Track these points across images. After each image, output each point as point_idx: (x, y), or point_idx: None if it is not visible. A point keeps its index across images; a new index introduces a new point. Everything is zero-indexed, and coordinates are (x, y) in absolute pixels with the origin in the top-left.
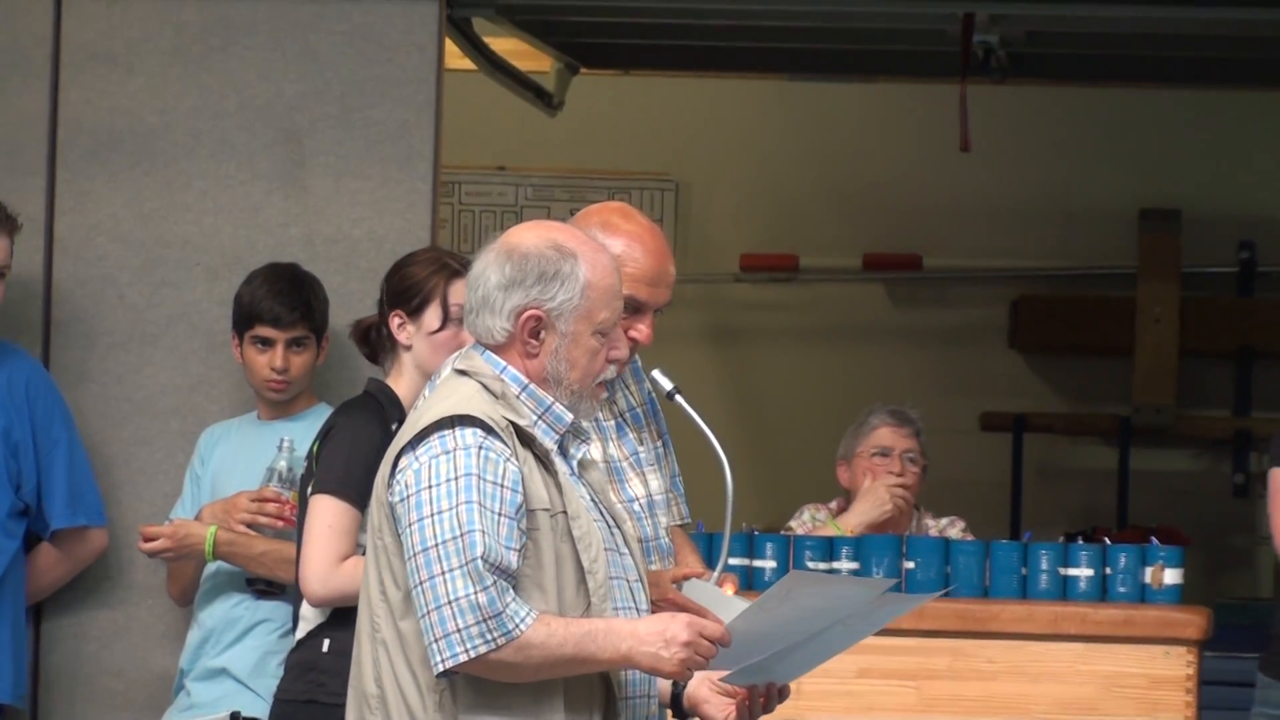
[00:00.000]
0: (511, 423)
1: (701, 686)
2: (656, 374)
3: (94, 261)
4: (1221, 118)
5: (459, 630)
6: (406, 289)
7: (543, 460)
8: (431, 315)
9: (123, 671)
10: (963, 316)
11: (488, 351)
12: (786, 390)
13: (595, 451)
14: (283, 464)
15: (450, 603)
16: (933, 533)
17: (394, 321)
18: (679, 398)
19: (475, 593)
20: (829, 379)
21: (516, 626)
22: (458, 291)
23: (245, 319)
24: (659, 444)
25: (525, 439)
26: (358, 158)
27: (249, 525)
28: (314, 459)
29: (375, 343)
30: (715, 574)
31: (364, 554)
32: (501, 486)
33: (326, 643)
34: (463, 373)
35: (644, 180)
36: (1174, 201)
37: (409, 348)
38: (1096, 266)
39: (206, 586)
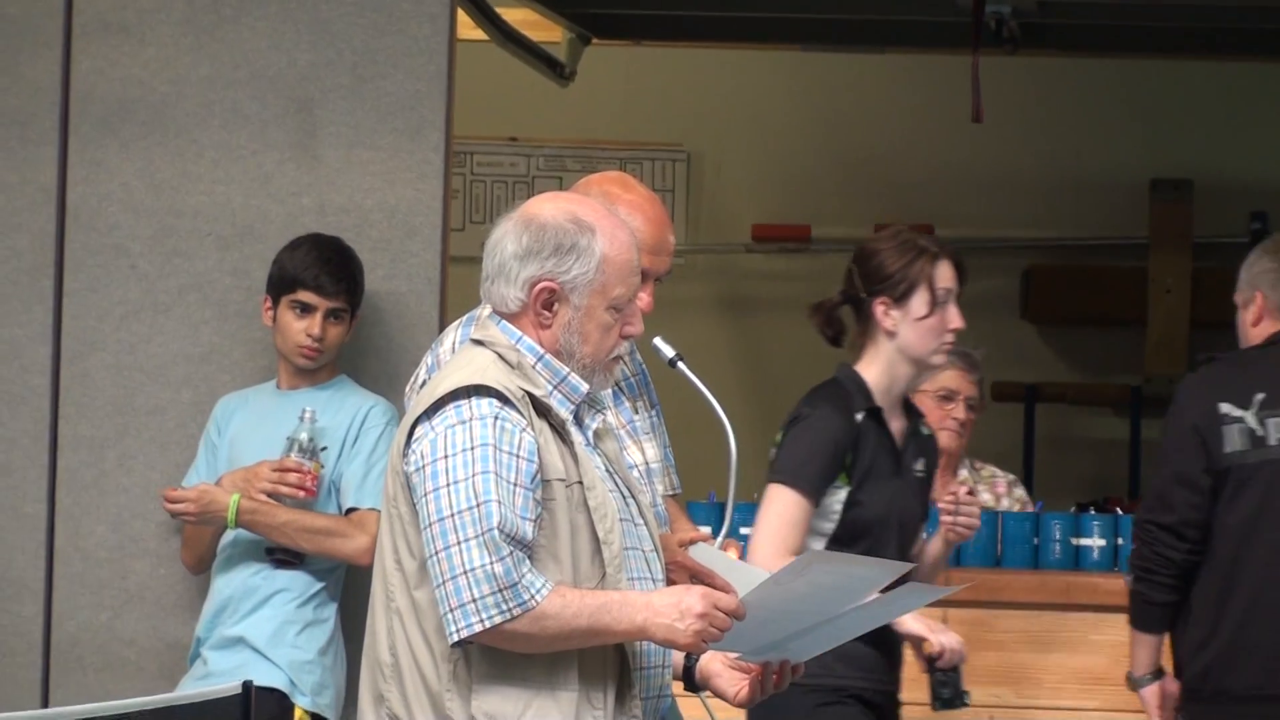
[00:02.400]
0: (527, 393)
1: (714, 660)
2: (658, 342)
3: (106, 231)
4: (1233, 88)
5: (474, 600)
6: (889, 276)
7: (558, 430)
8: (919, 301)
9: (135, 640)
10: (974, 287)
11: (504, 321)
12: (798, 360)
13: (613, 419)
14: (304, 434)
15: (466, 573)
16: (979, 487)
17: (878, 309)
18: (681, 365)
19: (491, 563)
20: (838, 351)
21: (532, 597)
22: (943, 275)
23: (287, 283)
24: (651, 413)
25: (541, 409)
26: (369, 128)
27: (270, 495)
28: (777, 444)
29: (836, 325)
30: (719, 540)
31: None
32: (517, 457)
33: None
34: (479, 342)
35: (656, 151)
36: (1185, 172)
37: (894, 334)
38: (1108, 237)
39: (225, 555)
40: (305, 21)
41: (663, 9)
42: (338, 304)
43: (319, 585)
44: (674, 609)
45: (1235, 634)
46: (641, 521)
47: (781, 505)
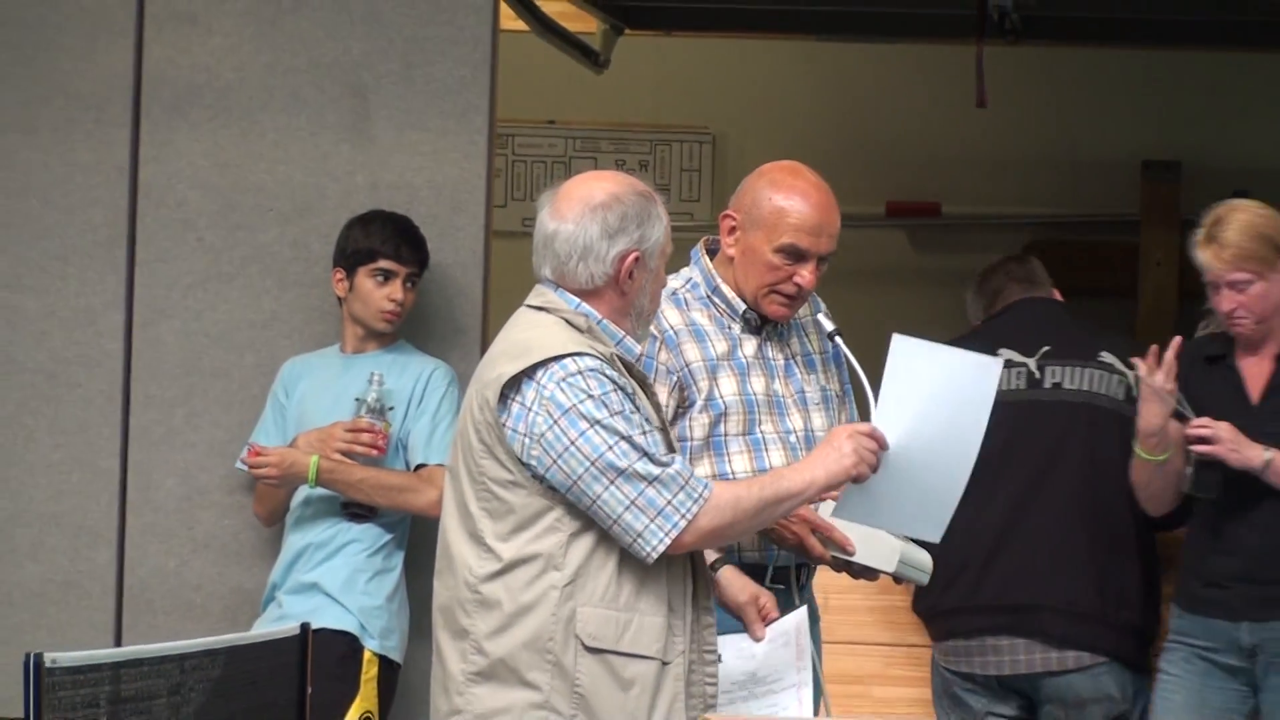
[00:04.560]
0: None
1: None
2: (820, 317)
3: (175, 207)
4: (1219, 77)
5: (653, 520)
6: None
7: (641, 383)
8: None
9: (201, 585)
10: (979, 260)
11: (560, 289)
12: None
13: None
14: (372, 395)
15: (632, 504)
16: None
17: None
18: (839, 340)
19: (649, 484)
20: (854, 319)
21: (701, 494)
22: None
23: (365, 254)
24: (833, 389)
25: (625, 364)
26: (419, 111)
27: (344, 453)
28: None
29: None
30: None
31: None
32: (631, 401)
33: None
34: (538, 309)
35: (683, 133)
36: (1174, 153)
37: None
38: (1102, 214)
39: (301, 509)
40: (359, 13)
41: (690, 2)
42: (413, 269)
43: (388, 537)
44: (829, 450)
45: None
46: None
47: None
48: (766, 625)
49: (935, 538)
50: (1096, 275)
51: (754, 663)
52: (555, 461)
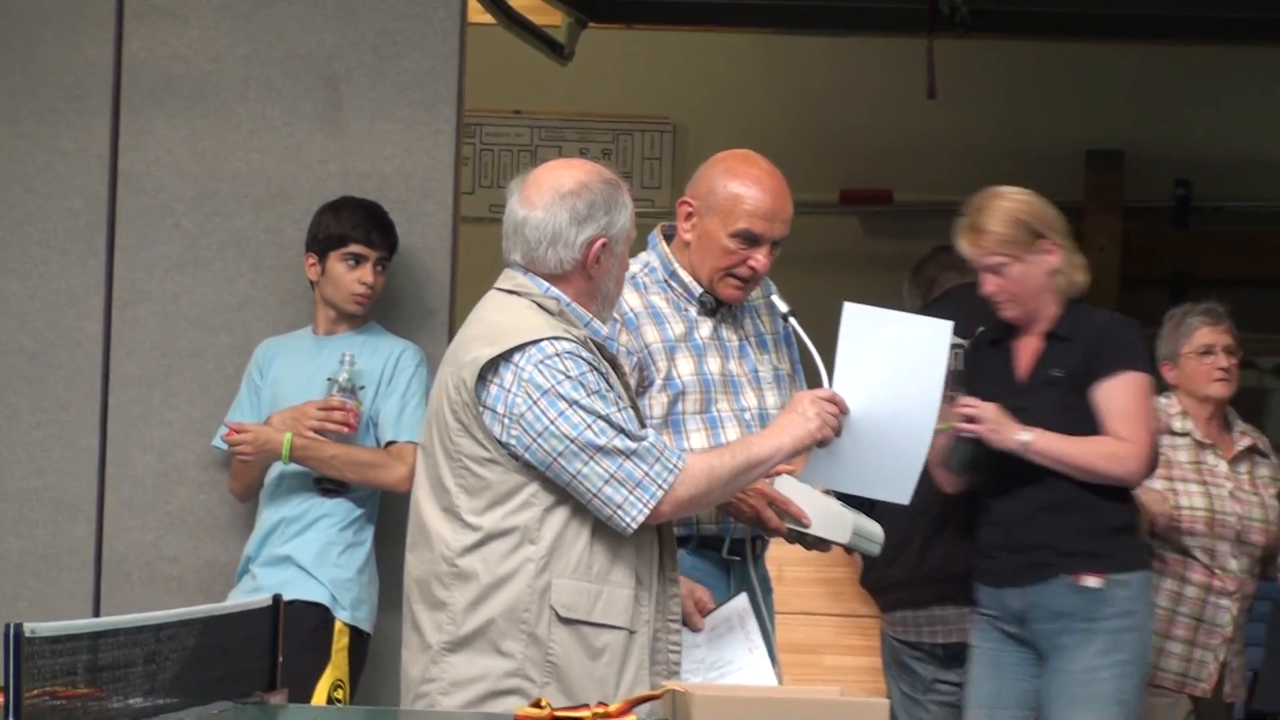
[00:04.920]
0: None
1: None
2: (774, 298)
3: (153, 193)
4: (1160, 70)
5: (631, 492)
6: None
7: (612, 364)
8: None
9: (177, 558)
10: (929, 246)
11: (530, 273)
12: None
13: (735, 367)
14: (344, 375)
15: (610, 478)
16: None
17: None
18: (793, 321)
19: (626, 459)
20: (809, 302)
21: (675, 464)
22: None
23: (337, 239)
24: (784, 368)
25: (597, 345)
26: (389, 102)
27: (316, 431)
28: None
29: None
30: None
31: None
32: (607, 384)
33: None
34: (509, 292)
35: (645, 123)
36: (1117, 143)
37: None
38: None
39: (275, 485)
40: (332, 6)
41: None
42: (383, 253)
43: (359, 511)
44: (794, 416)
45: None
46: None
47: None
48: (705, 615)
49: (904, 499)
50: None
51: (700, 650)
52: (535, 440)
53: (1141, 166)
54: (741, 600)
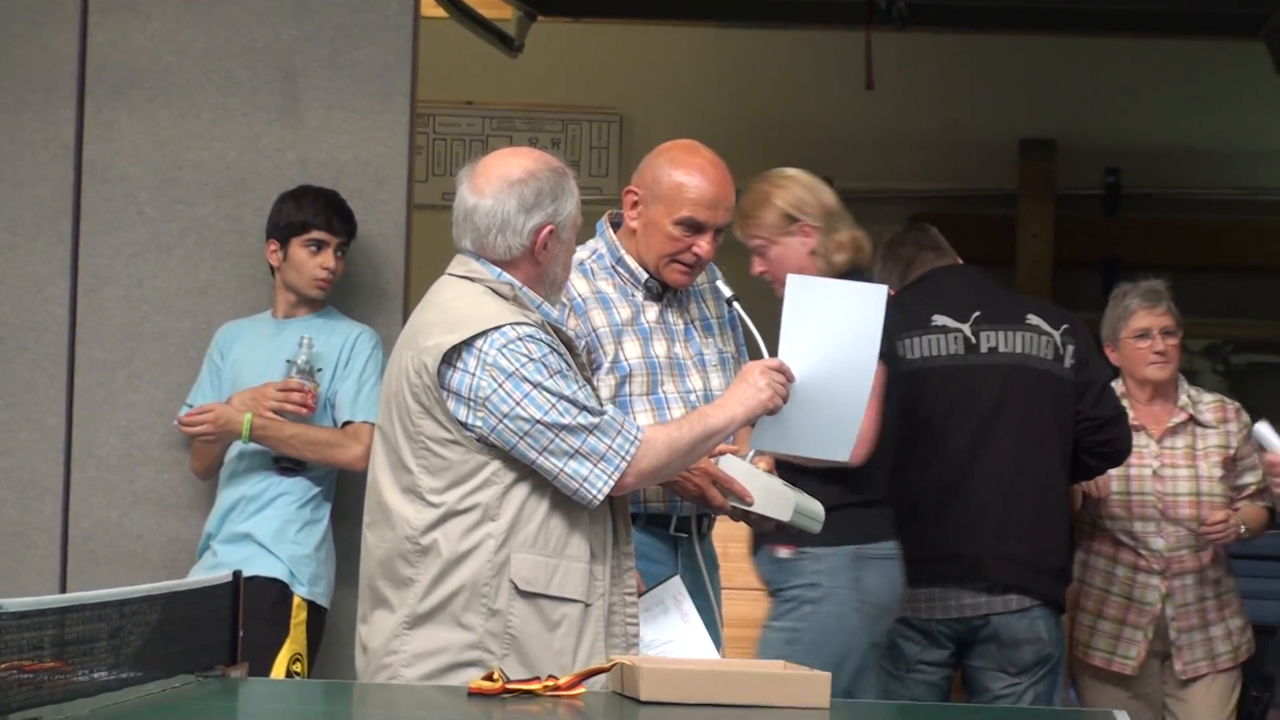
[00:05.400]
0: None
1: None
2: (719, 284)
3: (117, 182)
4: (1092, 61)
5: (595, 465)
6: None
7: (568, 345)
8: None
9: (141, 536)
10: (868, 232)
11: (481, 258)
12: None
13: (681, 351)
14: (302, 358)
15: (575, 452)
16: (1199, 408)
17: None
18: (736, 305)
19: (589, 434)
20: (752, 286)
21: (637, 435)
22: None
23: (299, 226)
24: (729, 351)
25: (553, 328)
26: (345, 93)
27: (275, 411)
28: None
29: None
30: (750, 454)
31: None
32: (565, 363)
33: None
34: (463, 277)
35: (593, 114)
36: (1049, 133)
37: None
38: (982, 189)
39: (235, 464)
40: (290, 1)
41: None
42: (343, 239)
43: (316, 489)
44: (745, 386)
45: None
46: None
47: None
48: (640, 598)
49: (844, 458)
50: (976, 247)
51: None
52: (501, 421)
53: (1073, 155)
54: (675, 581)
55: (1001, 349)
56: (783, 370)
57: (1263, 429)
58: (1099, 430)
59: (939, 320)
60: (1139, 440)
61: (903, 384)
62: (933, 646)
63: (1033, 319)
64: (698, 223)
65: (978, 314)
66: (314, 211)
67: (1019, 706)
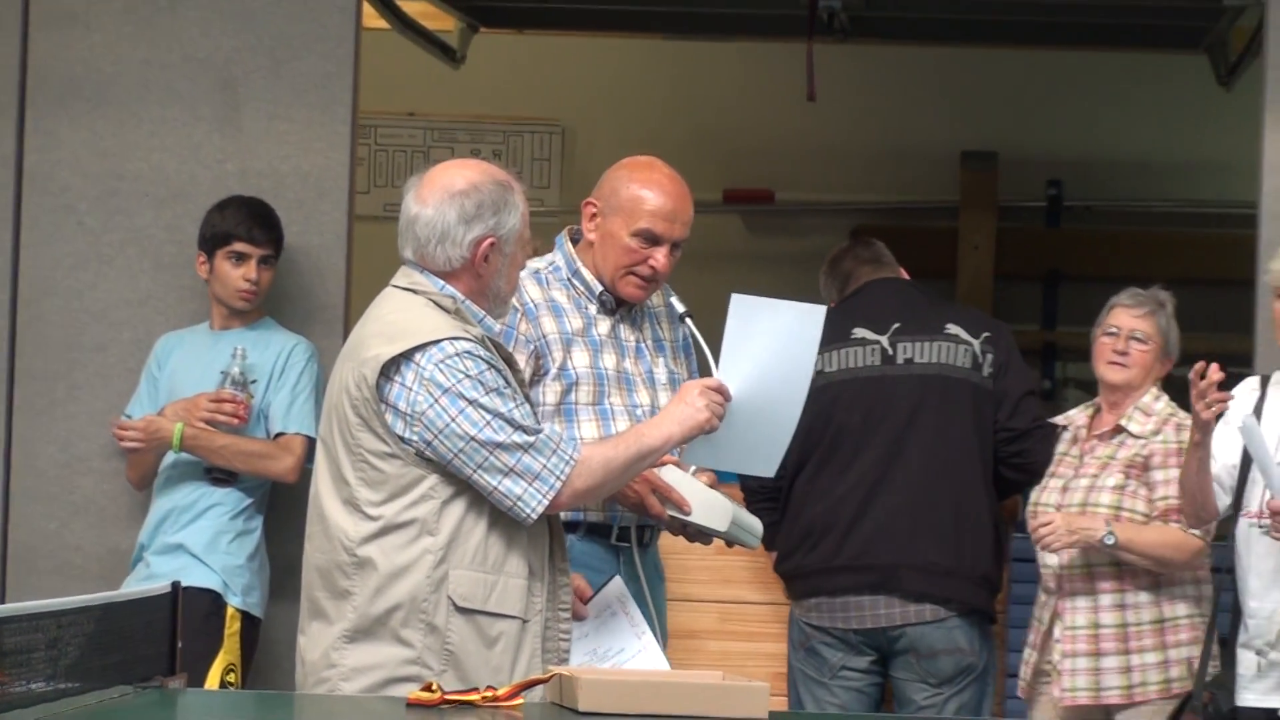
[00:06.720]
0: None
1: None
2: (673, 300)
3: (58, 193)
4: (1034, 73)
5: (530, 483)
6: None
7: (507, 361)
8: None
9: (80, 547)
10: (809, 244)
11: (424, 270)
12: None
13: (631, 367)
14: (236, 369)
15: (510, 470)
16: (1136, 417)
17: None
18: (689, 321)
19: (524, 452)
20: (692, 298)
21: (572, 455)
22: None
23: (222, 238)
24: (680, 375)
25: (494, 343)
26: (286, 104)
27: (208, 422)
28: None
29: None
30: (693, 468)
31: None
32: (503, 379)
33: None
34: (406, 289)
35: (535, 125)
36: (991, 144)
37: None
38: (924, 201)
39: (166, 474)
40: (230, 12)
41: (542, 2)
42: (267, 251)
43: (249, 500)
44: (682, 406)
45: None
46: None
47: None
48: (586, 603)
49: (769, 473)
50: (918, 258)
51: (589, 640)
52: (437, 437)
53: (1015, 167)
54: (616, 584)
55: (918, 359)
56: (720, 390)
57: (1249, 423)
58: (1013, 441)
59: (859, 333)
60: (1071, 451)
61: (820, 396)
62: (853, 654)
63: (952, 328)
64: (655, 235)
65: (897, 325)
66: (236, 222)
67: (942, 718)
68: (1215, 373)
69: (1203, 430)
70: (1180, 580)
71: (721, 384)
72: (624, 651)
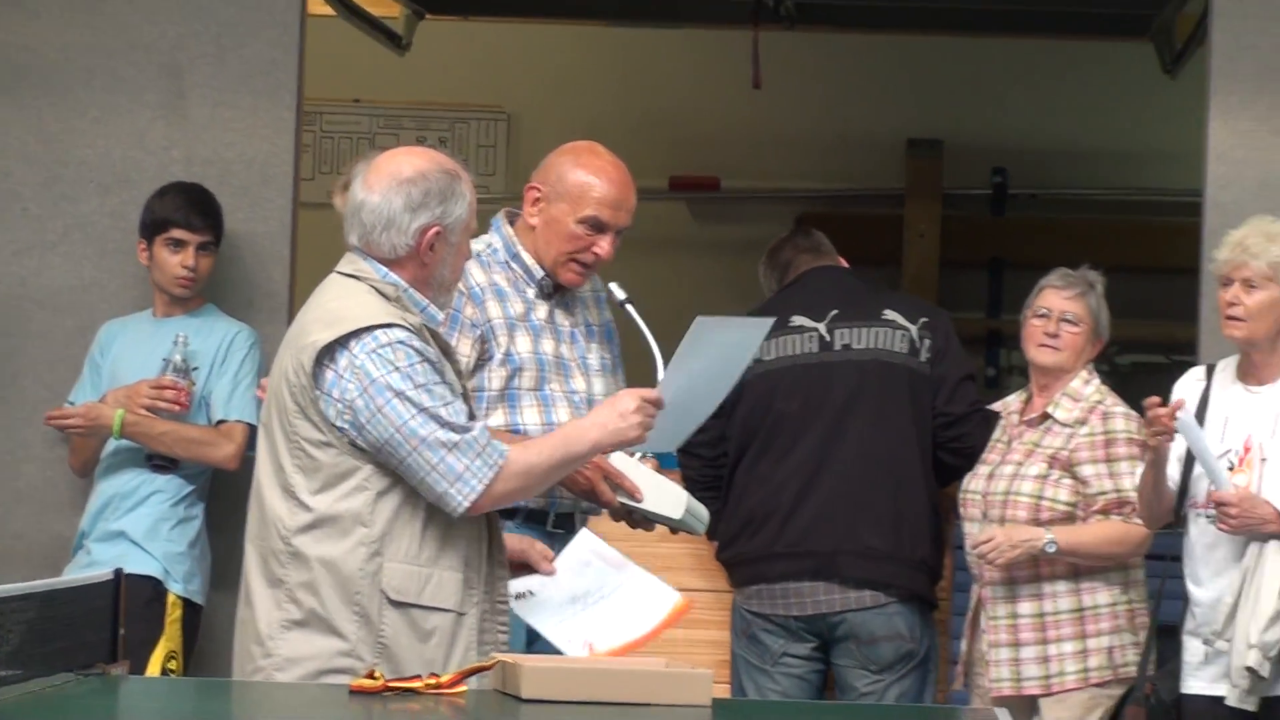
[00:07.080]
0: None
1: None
2: (613, 286)
3: (1, 179)
4: (978, 61)
5: (457, 480)
6: None
7: (445, 352)
8: None
9: (23, 534)
10: (755, 231)
11: (369, 256)
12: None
13: (567, 352)
14: (178, 356)
15: (435, 466)
16: (1064, 404)
17: None
18: (629, 307)
19: (451, 449)
20: (637, 284)
21: (500, 455)
22: None
23: (160, 225)
24: (608, 360)
25: (432, 333)
26: (231, 90)
27: (149, 409)
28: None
29: None
30: (638, 454)
31: None
32: (436, 371)
33: None
34: (349, 275)
35: (480, 112)
36: (936, 133)
37: None
38: (869, 188)
39: (107, 461)
40: None
41: None
42: (205, 238)
43: (190, 487)
44: (614, 417)
45: None
46: None
47: None
48: (551, 563)
49: (671, 449)
50: (863, 246)
51: (562, 592)
52: (365, 425)
53: (960, 155)
54: (585, 534)
55: (855, 345)
56: (655, 402)
57: (1186, 419)
58: (950, 426)
59: (797, 320)
60: (1001, 436)
61: (759, 384)
62: (794, 641)
63: (889, 314)
64: (601, 222)
65: (835, 312)
66: (174, 208)
67: (883, 704)
68: (1174, 409)
69: (1155, 452)
70: (1102, 569)
71: (659, 397)
72: (612, 585)
